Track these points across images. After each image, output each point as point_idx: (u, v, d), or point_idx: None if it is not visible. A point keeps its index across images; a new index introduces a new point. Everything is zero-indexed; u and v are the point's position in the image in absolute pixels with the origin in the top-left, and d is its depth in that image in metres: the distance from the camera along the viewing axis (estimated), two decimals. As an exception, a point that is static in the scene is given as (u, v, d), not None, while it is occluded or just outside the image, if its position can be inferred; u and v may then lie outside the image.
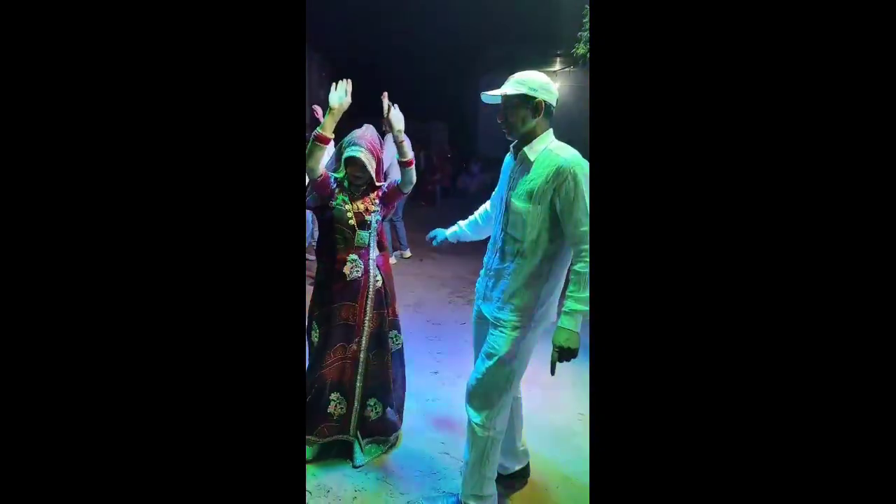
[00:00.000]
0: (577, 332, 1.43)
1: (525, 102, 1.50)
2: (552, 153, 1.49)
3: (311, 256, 4.91)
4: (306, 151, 1.76)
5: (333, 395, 1.93)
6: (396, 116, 1.88)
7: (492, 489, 1.66)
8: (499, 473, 1.88)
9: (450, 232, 1.96)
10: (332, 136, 1.78)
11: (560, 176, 1.43)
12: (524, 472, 1.92)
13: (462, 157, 11.24)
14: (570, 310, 1.42)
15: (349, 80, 1.77)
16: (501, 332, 1.56)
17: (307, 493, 1.80)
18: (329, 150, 1.85)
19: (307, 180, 1.85)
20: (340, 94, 1.74)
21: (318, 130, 1.73)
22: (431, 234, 2.00)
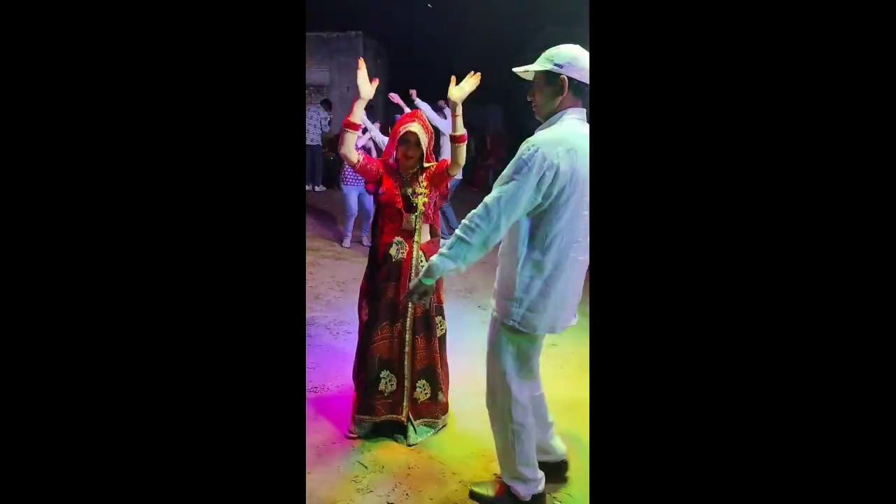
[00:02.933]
0: (421, 281, 1.44)
1: (551, 79, 1.43)
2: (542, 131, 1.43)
3: (367, 242, 5.06)
4: (340, 140, 1.89)
5: (383, 373, 2.01)
6: (461, 89, 1.85)
7: (534, 473, 1.65)
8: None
9: None
10: (361, 123, 1.90)
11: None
12: (558, 467, 1.83)
13: (516, 139, 11.06)
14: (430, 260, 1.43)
15: (363, 67, 1.85)
16: (491, 322, 1.56)
17: (363, 467, 1.89)
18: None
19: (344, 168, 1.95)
20: (369, 86, 1.83)
21: (349, 118, 1.85)
22: None
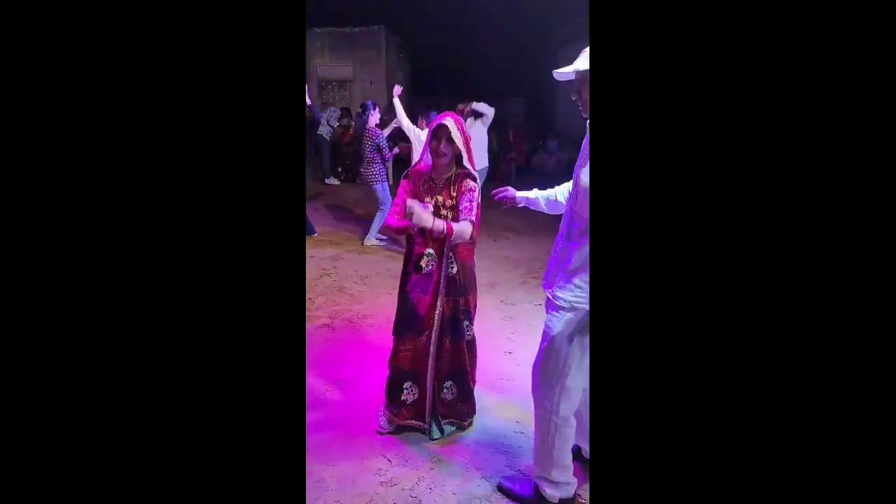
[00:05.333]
0: None
1: None
2: None
3: (383, 239, 5.03)
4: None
5: (406, 384, 2.01)
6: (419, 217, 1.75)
7: (566, 476, 1.62)
8: (580, 454, 1.85)
9: (520, 194, 1.89)
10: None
11: None
12: None
13: (539, 133, 10.92)
14: None
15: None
16: (558, 311, 1.51)
17: (387, 460, 1.91)
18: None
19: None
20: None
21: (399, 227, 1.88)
22: (501, 191, 1.92)
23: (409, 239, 1.98)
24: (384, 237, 5.00)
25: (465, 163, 1.90)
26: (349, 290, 3.78)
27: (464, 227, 1.82)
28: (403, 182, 1.97)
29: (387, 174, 4.97)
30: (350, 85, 10.40)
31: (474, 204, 1.89)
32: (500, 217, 5.52)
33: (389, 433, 2.05)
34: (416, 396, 2.02)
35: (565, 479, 1.62)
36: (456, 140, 1.85)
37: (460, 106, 5.13)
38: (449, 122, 1.85)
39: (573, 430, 1.59)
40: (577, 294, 1.48)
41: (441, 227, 1.77)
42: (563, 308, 1.50)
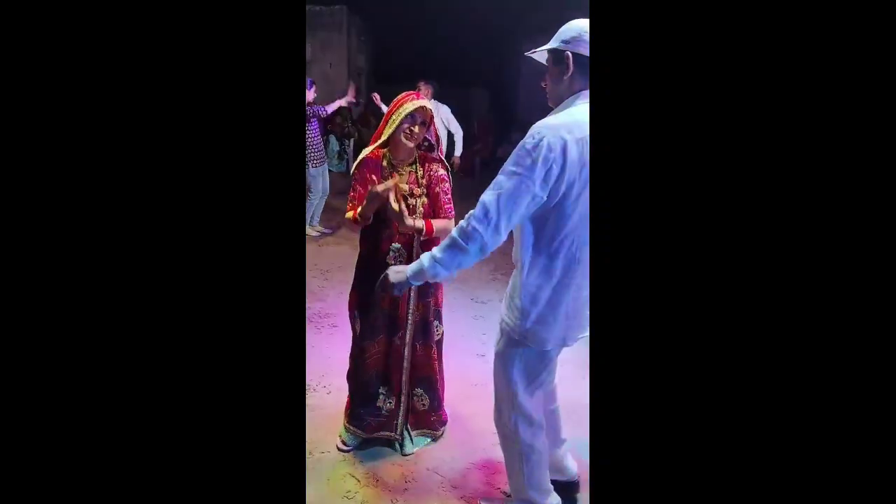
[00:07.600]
0: (403, 274, 1.30)
1: (558, 59, 1.24)
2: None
3: (326, 230, 4.75)
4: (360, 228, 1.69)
5: (382, 389, 1.85)
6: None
7: (545, 498, 1.50)
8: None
9: None
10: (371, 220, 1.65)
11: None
12: (569, 488, 1.68)
13: (503, 125, 10.87)
14: (421, 258, 1.28)
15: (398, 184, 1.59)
16: (501, 333, 1.41)
17: (356, 480, 1.75)
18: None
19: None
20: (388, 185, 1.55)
21: (357, 215, 1.63)
22: None
23: (370, 234, 1.76)
24: (328, 229, 4.73)
25: (436, 151, 1.77)
26: (307, 285, 3.55)
27: (446, 226, 1.66)
28: (356, 174, 1.73)
29: (323, 158, 4.61)
30: (308, 66, 9.93)
31: (449, 196, 1.75)
32: (467, 210, 5.41)
33: (353, 448, 1.88)
34: (392, 405, 1.86)
35: (545, 500, 1.50)
36: (441, 123, 1.71)
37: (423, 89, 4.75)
38: (430, 104, 1.70)
39: (542, 455, 1.47)
40: (511, 315, 1.37)
41: (420, 226, 1.61)
42: (503, 329, 1.39)
